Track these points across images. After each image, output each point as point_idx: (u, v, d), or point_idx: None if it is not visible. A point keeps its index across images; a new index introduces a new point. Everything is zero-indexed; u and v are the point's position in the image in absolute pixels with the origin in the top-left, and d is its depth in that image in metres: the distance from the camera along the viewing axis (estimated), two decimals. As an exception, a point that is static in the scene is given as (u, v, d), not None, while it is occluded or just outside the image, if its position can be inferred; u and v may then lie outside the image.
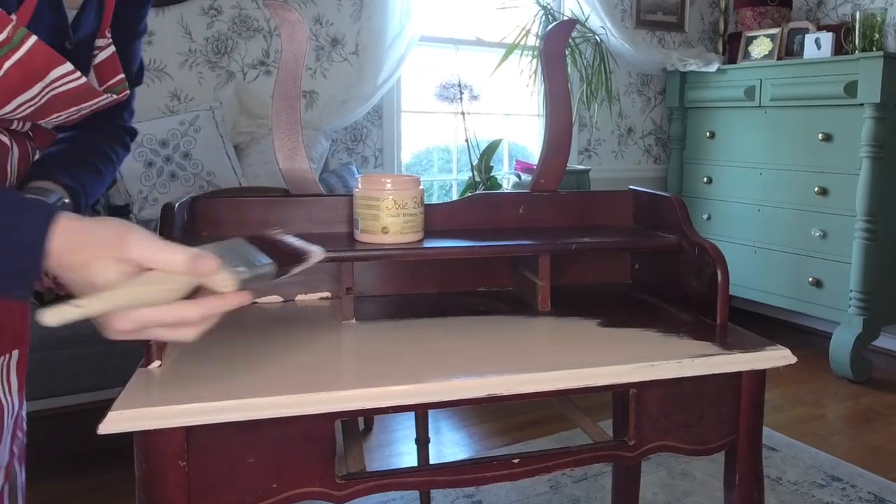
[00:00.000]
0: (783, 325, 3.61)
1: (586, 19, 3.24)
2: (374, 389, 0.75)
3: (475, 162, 2.80)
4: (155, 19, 2.57)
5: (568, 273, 1.21)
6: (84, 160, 0.89)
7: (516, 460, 0.83)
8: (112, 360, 1.87)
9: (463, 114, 2.75)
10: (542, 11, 3.05)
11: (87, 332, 1.83)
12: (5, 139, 0.81)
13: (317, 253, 0.72)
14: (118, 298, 0.59)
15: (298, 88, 1.09)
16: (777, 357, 0.88)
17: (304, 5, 2.84)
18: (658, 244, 1.09)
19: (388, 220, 0.99)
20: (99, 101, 0.86)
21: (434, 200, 3.09)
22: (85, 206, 0.87)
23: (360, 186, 1.02)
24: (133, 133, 1.01)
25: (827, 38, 3.09)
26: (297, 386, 0.75)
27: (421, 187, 1.03)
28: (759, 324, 3.53)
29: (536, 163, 1.25)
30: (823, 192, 3.01)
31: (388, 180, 1.00)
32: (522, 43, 3.00)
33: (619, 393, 0.92)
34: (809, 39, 3.17)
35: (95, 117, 0.91)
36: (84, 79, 0.81)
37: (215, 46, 2.69)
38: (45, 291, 0.84)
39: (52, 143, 0.90)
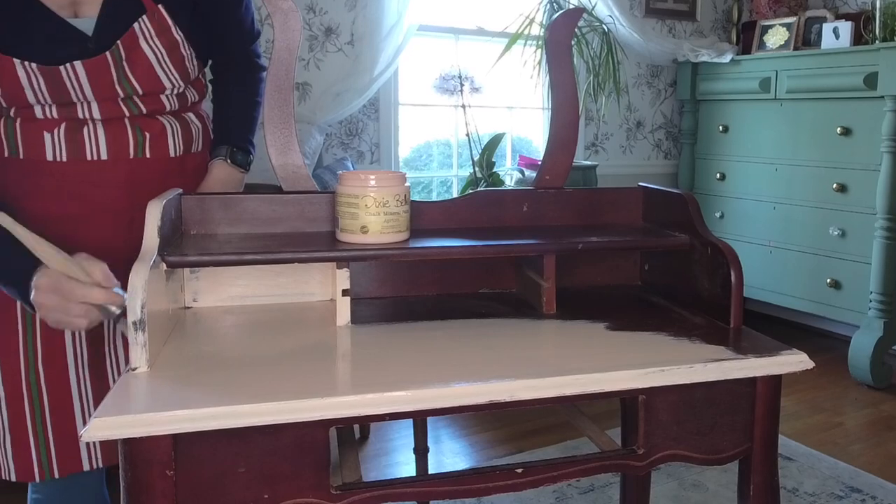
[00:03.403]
0: (800, 329, 3.62)
1: (593, 7, 3.24)
2: (370, 395, 0.75)
3: (476, 157, 2.81)
4: (140, 7, 2.56)
5: (574, 274, 1.21)
6: (242, 119, 1.30)
7: (520, 470, 0.83)
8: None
9: (464, 107, 2.76)
10: (547, -1, 3.05)
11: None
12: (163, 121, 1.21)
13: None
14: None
15: (291, 80, 1.09)
16: (793, 362, 0.89)
17: (296, -7, 2.84)
18: (669, 244, 1.10)
19: (368, 219, 0.99)
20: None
21: (434, 197, 3.09)
22: (252, 150, 1.31)
23: (340, 184, 1.01)
24: (263, 68, 1.34)
25: (846, 28, 3.09)
26: (290, 392, 0.75)
27: (406, 185, 1.02)
28: (774, 327, 3.53)
29: (541, 158, 1.25)
30: (842, 188, 3.01)
31: (369, 177, 0.99)
32: (526, 32, 3.00)
33: (627, 399, 0.92)
34: (827, 28, 3.17)
35: (236, 73, 1.31)
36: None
37: (204, 36, 2.69)
38: None
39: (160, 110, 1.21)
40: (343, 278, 0.99)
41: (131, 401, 0.73)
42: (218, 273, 1.06)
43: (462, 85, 2.73)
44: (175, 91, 1.20)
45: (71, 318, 0.95)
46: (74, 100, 1.12)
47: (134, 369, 0.79)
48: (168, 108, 1.21)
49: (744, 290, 0.98)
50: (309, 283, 1.10)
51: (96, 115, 1.14)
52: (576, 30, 2.63)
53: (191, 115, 1.27)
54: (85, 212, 1.15)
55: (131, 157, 1.17)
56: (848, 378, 2.95)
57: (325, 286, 1.11)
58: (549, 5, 3.06)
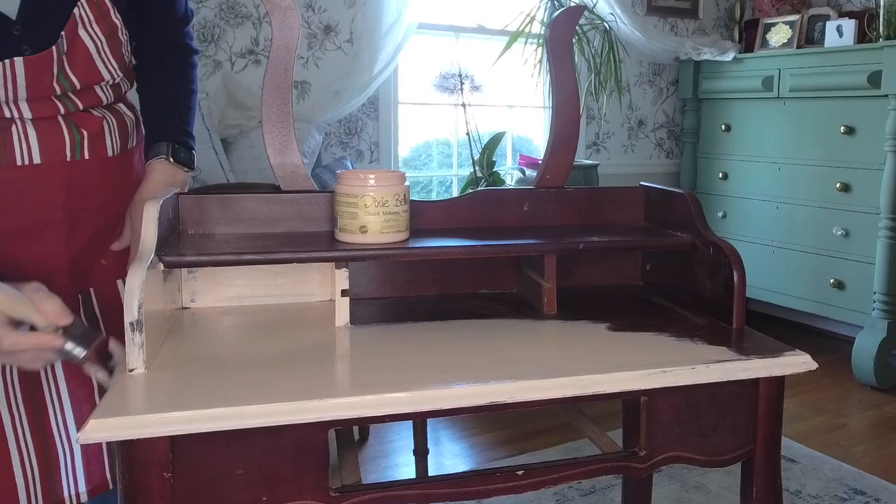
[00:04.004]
0: (803, 330, 3.61)
1: (594, 5, 3.24)
2: (369, 397, 0.75)
3: (477, 156, 2.81)
4: (137, 5, 2.57)
5: (575, 274, 1.21)
6: (179, 111, 1.19)
7: (521, 472, 0.83)
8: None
9: (464, 105, 2.76)
10: (548, -3, 3.05)
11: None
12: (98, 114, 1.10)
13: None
14: None
15: (290, 79, 1.09)
16: (797, 363, 0.89)
17: (295, -10, 2.84)
18: (671, 244, 1.10)
19: (367, 219, 0.99)
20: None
21: (433, 197, 3.09)
22: (192, 141, 1.20)
23: (338, 183, 1.01)
24: (196, 51, 1.25)
25: (849, 26, 3.09)
26: (289, 393, 0.75)
27: (406, 184, 1.03)
28: (777, 328, 3.53)
29: (541, 157, 1.25)
30: (846, 188, 3.01)
31: (368, 176, 0.99)
32: (527, 30, 3.00)
33: (629, 401, 0.92)
34: (831, 26, 3.17)
35: (167, 58, 1.20)
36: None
37: (201, 34, 2.69)
38: None
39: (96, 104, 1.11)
40: (342, 278, 0.99)
41: (128, 402, 0.73)
42: (216, 273, 1.06)
43: (462, 83, 2.73)
44: (111, 82, 1.10)
45: (21, 364, 0.86)
46: (2, 98, 0.99)
47: (131, 370, 0.79)
48: (104, 100, 1.11)
49: (746, 290, 0.98)
50: (308, 284, 1.10)
51: (27, 114, 1.01)
52: (577, 28, 2.63)
53: (122, 105, 1.17)
54: (18, 226, 1.02)
55: (68, 159, 1.05)
56: (851, 379, 2.95)
57: (324, 286, 1.11)
58: (549, 3, 3.06)
